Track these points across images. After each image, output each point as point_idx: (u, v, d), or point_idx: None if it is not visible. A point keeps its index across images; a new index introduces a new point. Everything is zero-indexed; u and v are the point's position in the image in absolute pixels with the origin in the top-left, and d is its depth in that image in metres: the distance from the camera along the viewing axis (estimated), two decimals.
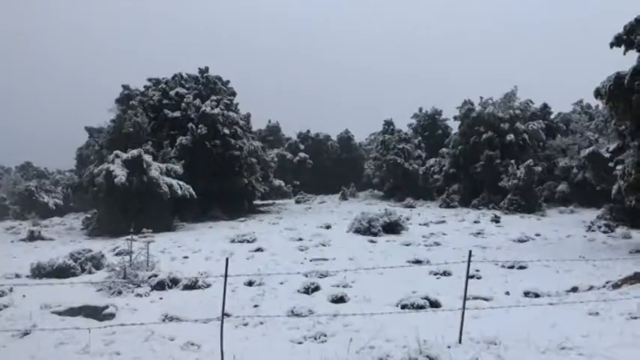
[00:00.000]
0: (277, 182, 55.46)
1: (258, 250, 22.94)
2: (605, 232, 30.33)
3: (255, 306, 12.67)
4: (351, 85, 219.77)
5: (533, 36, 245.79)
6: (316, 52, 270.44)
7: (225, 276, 8.53)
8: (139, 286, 14.28)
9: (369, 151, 76.65)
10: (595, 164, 38.09)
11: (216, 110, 43.72)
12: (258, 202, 52.73)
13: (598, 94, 23.99)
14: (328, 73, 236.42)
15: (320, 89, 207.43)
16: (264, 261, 19.87)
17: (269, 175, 53.18)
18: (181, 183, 36.79)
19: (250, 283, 15.14)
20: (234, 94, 50.54)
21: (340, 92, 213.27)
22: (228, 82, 50.91)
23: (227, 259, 8.91)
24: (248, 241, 25.53)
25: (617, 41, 23.23)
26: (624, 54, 23.18)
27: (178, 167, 38.33)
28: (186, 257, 21.52)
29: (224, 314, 8.66)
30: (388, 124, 68.71)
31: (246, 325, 10.84)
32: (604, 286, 14.41)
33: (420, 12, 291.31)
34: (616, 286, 14.14)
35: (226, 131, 43.74)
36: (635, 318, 10.45)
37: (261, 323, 10.83)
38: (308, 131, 78.91)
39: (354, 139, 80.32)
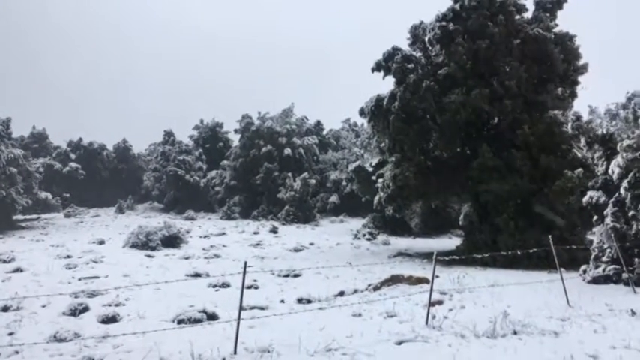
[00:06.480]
0: (43, 195, 50.30)
1: (17, 270, 20.40)
2: (369, 239, 33.59)
3: (11, 334, 11.25)
4: (131, 92, 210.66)
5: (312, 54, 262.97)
6: (90, 54, 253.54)
7: None
8: None
9: (148, 163, 73.81)
10: (360, 177, 41.77)
11: None
12: (19, 217, 47.14)
13: (362, 112, 26.53)
14: (103, 77, 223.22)
15: (97, 94, 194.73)
16: (23, 282, 17.75)
17: (33, 187, 48.05)
18: None
19: (5, 309, 13.40)
20: None
21: (120, 99, 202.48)
22: None
23: None
24: (4, 261, 22.60)
25: (378, 67, 25.94)
26: (383, 79, 25.95)
27: None
28: None
29: None
30: (169, 134, 67.14)
31: None
32: (366, 289, 15.95)
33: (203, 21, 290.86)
34: (376, 288, 15.75)
35: None
36: (392, 316, 11.75)
37: (17, 352, 9.65)
38: (80, 139, 72.75)
39: (133, 150, 76.45)
